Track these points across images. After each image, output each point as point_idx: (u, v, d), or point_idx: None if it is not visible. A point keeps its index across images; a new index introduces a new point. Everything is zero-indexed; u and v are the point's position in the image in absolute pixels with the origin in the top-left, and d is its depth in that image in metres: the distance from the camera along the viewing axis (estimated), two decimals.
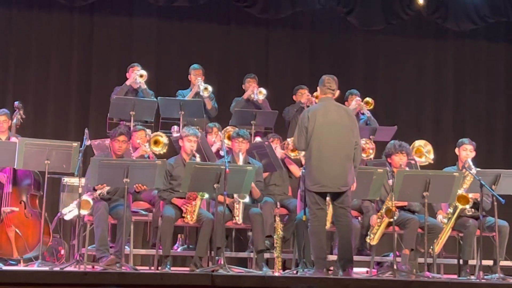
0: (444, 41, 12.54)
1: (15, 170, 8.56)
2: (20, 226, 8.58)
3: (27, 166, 8.11)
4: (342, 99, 10.03)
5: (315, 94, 9.97)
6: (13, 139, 8.68)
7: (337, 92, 7.79)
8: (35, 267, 7.65)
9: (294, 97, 10.61)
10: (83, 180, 7.80)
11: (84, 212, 7.86)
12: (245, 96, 10.51)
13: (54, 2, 11.28)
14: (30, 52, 11.33)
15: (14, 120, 8.97)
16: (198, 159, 8.22)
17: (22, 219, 8.63)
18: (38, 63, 11.33)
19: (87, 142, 7.93)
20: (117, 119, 9.83)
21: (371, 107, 10.48)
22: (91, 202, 7.97)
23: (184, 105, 9.89)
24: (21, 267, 8.21)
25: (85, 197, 7.88)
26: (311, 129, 7.44)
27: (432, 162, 9.47)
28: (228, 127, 9.68)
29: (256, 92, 10.40)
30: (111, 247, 8.08)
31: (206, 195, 8.12)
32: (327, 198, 7.59)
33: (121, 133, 8.22)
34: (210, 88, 10.20)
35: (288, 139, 9.15)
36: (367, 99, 10.49)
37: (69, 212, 8.17)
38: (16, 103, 9.12)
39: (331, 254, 8.56)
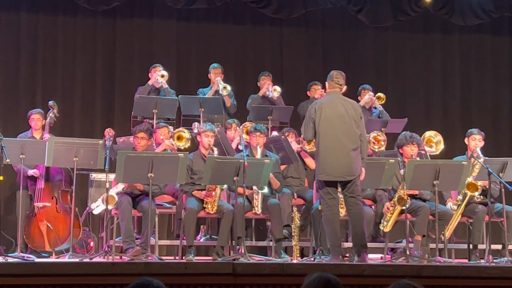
0: (450, 36, 12.46)
1: (48, 167, 8.60)
2: (51, 221, 8.63)
3: (56, 163, 8.16)
4: (355, 94, 10.02)
5: (326, 90, 9.96)
6: (46, 135, 8.74)
7: (344, 87, 7.81)
8: (66, 258, 7.70)
9: (308, 92, 10.61)
10: (110, 175, 7.82)
11: (110, 207, 7.90)
12: (260, 93, 10.51)
13: (78, 7, 11.30)
14: (57, 55, 11.35)
15: (48, 119, 9.01)
16: (216, 153, 8.25)
17: (53, 214, 8.68)
18: (64, 66, 11.35)
19: (110, 142, 7.95)
20: (141, 117, 9.87)
21: (383, 102, 10.43)
22: (116, 197, 8.00)
23: (204, 103, 9.90)
24: (53, 259, 8.26)
25: (110, 192, 7.91)
26: (318, 121, 7.48)
27: (440, 150, 9.44)
28: (246, 123, 9.68)
29: (271, 90, 10.40)
30: (137, 239, 8.12)
31: (225, 186, 8.14)
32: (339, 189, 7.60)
33: (140, 130, 8.27)
34: (229, 87, 10.21)
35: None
36: (379, 94, 10.45)
37: (97, 207, 8.21)
38: (50, 102, 9.17)
39: (347, 241, 8.55)
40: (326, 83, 7.80)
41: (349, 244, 8.16)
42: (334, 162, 7.40)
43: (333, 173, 7.41)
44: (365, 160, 7.57)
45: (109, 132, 8.18)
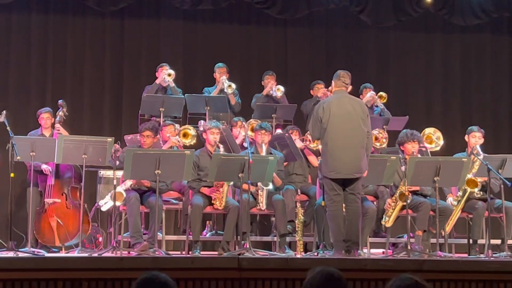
0: (451, 36, 12.44)
1: (58, 164, 8.61)
2: (61, 216, 8.64)
3: (66, 160, 8.16)
4: (356, 93, 10.01)
5: (330, 88, 9.95)
6: (58, 125, 8.75)
7: (350, 87, 7.82)
8: (75, 253, 7.70)
9: (311, 91, 10.59)
10: (118, 172, 7.82)
11: (118, 203, 7.90)
12: (264, 92, 10.51)
13: (87, 7, 11.31)
14: (66, 55, 11.36)
15: (57, 118, 9.02)
16: (222, 149, 8.24)
17: (63, 210, 8.70)
18: (73, 65, 11.36)
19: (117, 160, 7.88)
20: (148, 115, 9.88)
21: (385, 100, 10.41)
22: (124, 193, 8.00)
23: (210, 101, 9.90)
24: (62, 254, 8.26)
25: (118, 189, 7.91)
26: (326, 120, 7.47)
27: (440, 146, 9.44)
28: (251, 120, 9.69)
29: (275, 89, 10.40)
30: (144, 234, 8.12)
31: (232, 182, 8.14)
32: None
33: (146, 129, 8.25)
34: (233, 85, 10.21)
35: (308, 133, 9.17)
36: (381, 93, 10.41)
37: (105, 204, 8.20)
38: (60, 101, 9.16)
39: None
40: (333, 82, 7.80)
41: None
42: (343, 159, 7.41)
43: (343, 171, 7.42)
44: (368, 157, 7.58)
45: (115, 146, 8.07)
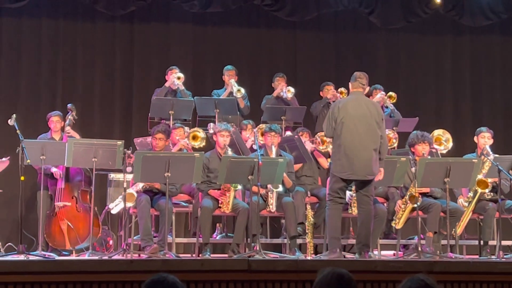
0: (460, 37, 12.40)
1: (68, 168, 8.62)
2: (72, 219, 8.65)
3: (76, 164, 8.17)
4: (366, 94, 9.98)
5: (339, 90, 9.96)
6: (69, 130, 8.78)
7: (367, 88, 7.82)
8: (86, 256, 7.71)
9: (321, 93, 10.57)
10: (128, 175, 7.82)
11: (129, 204, 7.89)
12: (275, 94, 10.49)
13: (97, 12, 11.33)
14: (77, 58, 11.39)
15: (67, 122, 9.03)
16: (230, 151, 8.23)
17: (73, 213, 8.71)
18: (84, 69, 11.38)
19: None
20: (158, 118, 9.87)
21: (394, 100, 10.40)
22: (135, 194, 8.00)
23: (219, 104, 9.89)
24: (73, 257, 8.27)
25: (129, 190, 7.90)
26: (340, 120, 7.44)
27: (448, 149, 9.41)
28: (261, 125, 9.66)
29: (285, 91, 10.39)
30: (155, 237, 8.12)
31: (239, 186, 8.12)
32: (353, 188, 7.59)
33: (159, 131, 8.27)
34: (243, 90, 10.20)
35: (317, 135, 9.16)
36: (390, 93, 10.41)
37: (115, 206, 8.20)
38: (69, 105, 9.18)
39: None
40: (350, 83, 7.78)
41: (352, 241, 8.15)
42: (356, 161, 7.37)
43: (356, 172, 7.38)
44: (383, 161, 7.55)
45: (127, 152, 8.05)
